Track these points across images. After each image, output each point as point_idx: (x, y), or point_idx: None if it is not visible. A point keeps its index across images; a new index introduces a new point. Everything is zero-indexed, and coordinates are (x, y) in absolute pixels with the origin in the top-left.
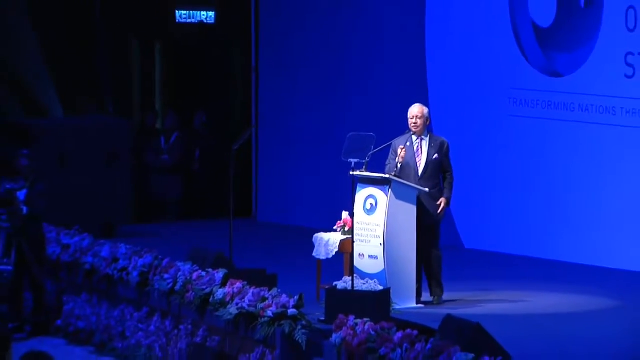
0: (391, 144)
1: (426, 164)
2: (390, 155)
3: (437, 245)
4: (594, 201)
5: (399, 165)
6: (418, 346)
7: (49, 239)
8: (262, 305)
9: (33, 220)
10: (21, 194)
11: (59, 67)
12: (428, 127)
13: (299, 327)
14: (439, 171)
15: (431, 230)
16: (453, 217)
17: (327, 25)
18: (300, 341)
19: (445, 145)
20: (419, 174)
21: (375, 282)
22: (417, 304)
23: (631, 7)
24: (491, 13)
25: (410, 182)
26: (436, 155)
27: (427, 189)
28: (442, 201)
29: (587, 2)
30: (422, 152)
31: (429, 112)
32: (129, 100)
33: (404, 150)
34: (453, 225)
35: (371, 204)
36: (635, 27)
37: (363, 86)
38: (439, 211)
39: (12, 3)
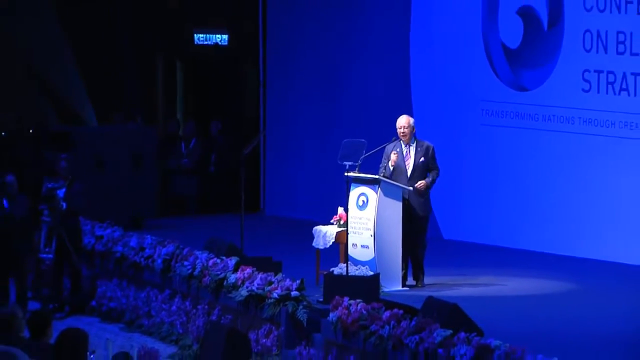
0: (382, 148)
1: (414, 166)
2: (383, 161)
3: (423, 237)
4: (556, 197)
5: (391, 168)
6: (403, 323)
7: (84, 231)
8: (268, 288)
9: (71, 215)
10: (60, 192)
11: (93, 81)
12: (414, 134)
13: (301, 307)
14: (426, 172)
15: (418, 224)
16: (434, 211)
17: (324, 47)
18: (301, 319)
19: (431, 149)
20: (408, 176)
21: (366, 268)
22: (402, 287)
23: (587, 30)
24: (467, 36)
25: (401, 183)
26: (422, 159)
27: (411, 188)
28: (422, 183)
29: (550, 26)
30: (410, 157)
31: (414, 122)
32: (154, 111)
33: (396, 155)
34: (434, 218)
35: (363, 201)
36: (591, 48)
37: (356, 98)
38: (417, 186)
39: (53, 28)
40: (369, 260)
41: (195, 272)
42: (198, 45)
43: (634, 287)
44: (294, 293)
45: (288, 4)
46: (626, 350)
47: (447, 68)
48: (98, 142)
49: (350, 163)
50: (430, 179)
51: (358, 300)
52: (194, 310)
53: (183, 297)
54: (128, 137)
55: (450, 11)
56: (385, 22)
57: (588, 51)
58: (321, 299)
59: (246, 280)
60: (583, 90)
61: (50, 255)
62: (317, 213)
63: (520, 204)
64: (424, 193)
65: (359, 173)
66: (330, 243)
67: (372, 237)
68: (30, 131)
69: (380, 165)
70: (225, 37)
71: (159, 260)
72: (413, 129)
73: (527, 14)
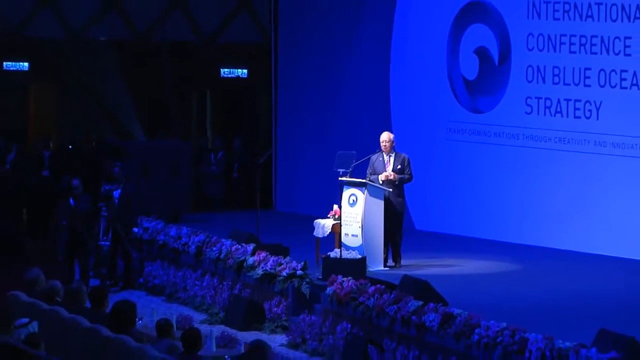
0: (368, 159)
1: (392, 172)
2: (369, 168)
3: (400, 228)
4: (505, 196)
5: (380, 181)
6: (385, 296)
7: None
8: (279, 268)
9: (124, 210)
10: (116, 193)
11: (142, 106)
12: (393, 147)
13: (304, 283)
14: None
15: (396, 218)
16: (408, 207)
17: (323, 80)
18: (305, 292)
19: (406, 159)
20: (386, 180)
21: (355, 252)
22: (384, 267)
23: (529, 65)
24: (435, 70)
25: (382, 186)
26: (399, 166)
27: (390, 189)
28: (393, 174)
29: (500, 62)
30: (390, 164)
31: (394, 137)
32: (189, 129)
33: (386, 176)
34: (408, 213)
35: (353, 200)
36: (532, 79)
37: (347, 119)
38: (391, 178)
39: (112, 66)
40: (358, 246)
41: (222, 256)
42: (224, 78)
43: (564, 267)
44: (299, 272)
45: (294, 46)
46: (555, 315)
47: (419, 94)
48: (145, 154)
49: (343, 170)
50: (404, 176)
51: (349, 278)
52: (220, 286)
53: (212, 275)
54: (168, 149)
55: (422, 50)
56: (370, 59)
57: (530, 82)
58: (320, 277)
59: (261, 262)
60: (526, 112)
61: (107, 243)
62: (317, 209)
63: (477, 201)
64: (400, 191)
65: (350, 178)
66: (327, 233)
67: (360, 228)
68: (93, 144)
69: (367, 171)
70: (245, 71)
71: (193, 247)
72: (392, 143)
73: (482, 52)
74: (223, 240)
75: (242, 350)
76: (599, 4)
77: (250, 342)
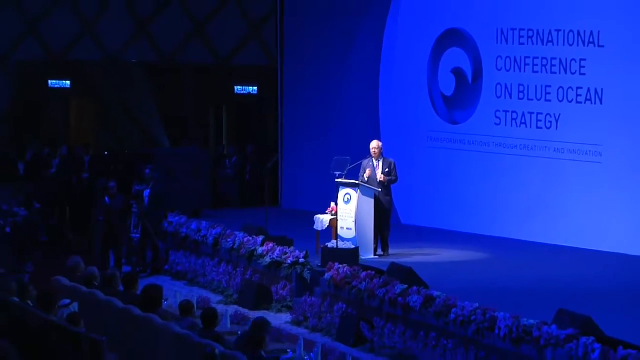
0: (360, 163)
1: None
2: (361, 171)
3: (388, 222)
4: (477, 194)
5: (366, 178)
6: (375, 280)
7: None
8: (284, 257)
9: (153, 208)
10: (145, 192)
11: (168, 119)
12: (382, 153)
13: (306, 269)
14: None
15: (385, 214)
16: (395, 205)
17: (320, 96)
18: (306, 277)
19: (393, 163)
20: (377, 181)
21: (350, 243)
22: (374, 256)
23: (498, 83)
24: (418, 87)
25: (373, 186)
26: (387, 169)
27: (380, 190)
28: (383, 176)
29: (473, 80)
30: (379, 168)
31: (382, 144)
32: (207, 138)
33: (370, 170)
34: (395, 210)
35: (348, 198)
36: (501, 95)
37: (342, 129)
38: (379, 179)
39: (142, 84)
40: (352, 238)
41: (235, 246)
42: (237, 94)
43: (529, 255)
44: (301, 260)
45: (297, 67)
46: (520, 297)
47: (404, 108)
48: (170, 159)
49: (339, 173)
50: (390, 178)
51: (344, 265)
52: (234, 272)
53: (227, 263)
54: (190, 155)
55: (407, 70)
56: (362, 78)
57: (499, 97)
58: (319, 264)
59: (269, 251)
60: (495, 124)
61: (138, 235)
62: (317, 206)
63: (454, 200)
64: (388, 191)
65: (345, 179)
66: (326, 226)
67: (354, 223)
68: (125, 151)
69: (360, 174)
70: (255, 88)
71: (211, 238)
72: (381, 149)
73: (458, 72)
74: (236, 232)
75: None
76: (558, 30)
77: (253, 319)
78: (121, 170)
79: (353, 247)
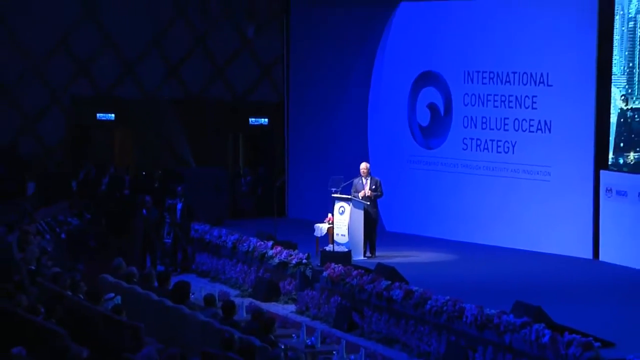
0: (352, 181)
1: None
2: (352, 188)
3: (375, 230)
4: (448, 206)
5: (360, 196)
6: (364, 278)
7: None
8: (290, 258)
9: (183, 218)
10: (178, 206)
11: (195, 145)
12: (369, 172)
13: (308, 268)
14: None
15: (372, 223)
16: (380, 215)
17: (319, 125)
18: (308, 275)
19: (379, 182)
20: (366, 196)
21: (344, 247)
22: (363, 257)
23: (466, 116)
24: (399, 118)
25: (362, 200)
26: (373, 187)
27: (368, 203)
28: (370, 192)
29: (445, 114)
30: (367, 185)
31: (370, 166)
32: (227, 161)
33: (363, 192)
34: (381, 219)
35: (342, 210)
36: (467, 125)
37: (338, 154)
38: (367, 195)
39: (172, 118)
40: (345, 243)
41: (250, 249)
42: (251, 125)
43: (491, 257)
44: (304, 261)
45: (301, 104)
46: (484, 291)
47: (388, 136)
48: (196, 177)
49: (335, 189)
50: (376, 193)
51: (339, 265)
52: (249, 270)
53: (243, 263)
54: (212, 175)
55: (390, 105)
56: (353, 113)
57: (466, 127)
58: (319, 264)
59: (278, 254)
60: (463, 149)
61: (169, 241)
62: (317, 216)
63: (429, 211)
64: (375, 204)
65: (340, 194)
66: (324, 233)
67: (347, 230)
68: (159, 171)
69: (352, 190)
70: (266, 120)
71: (230, 243)
72: (369, 170)
73: (432, 107)
74: (251, 238)
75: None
76: (514, 72)
77: (252, 309)
78: (156, 187)
79: (346, 250)
